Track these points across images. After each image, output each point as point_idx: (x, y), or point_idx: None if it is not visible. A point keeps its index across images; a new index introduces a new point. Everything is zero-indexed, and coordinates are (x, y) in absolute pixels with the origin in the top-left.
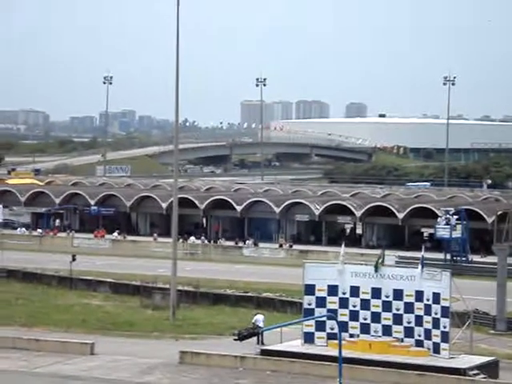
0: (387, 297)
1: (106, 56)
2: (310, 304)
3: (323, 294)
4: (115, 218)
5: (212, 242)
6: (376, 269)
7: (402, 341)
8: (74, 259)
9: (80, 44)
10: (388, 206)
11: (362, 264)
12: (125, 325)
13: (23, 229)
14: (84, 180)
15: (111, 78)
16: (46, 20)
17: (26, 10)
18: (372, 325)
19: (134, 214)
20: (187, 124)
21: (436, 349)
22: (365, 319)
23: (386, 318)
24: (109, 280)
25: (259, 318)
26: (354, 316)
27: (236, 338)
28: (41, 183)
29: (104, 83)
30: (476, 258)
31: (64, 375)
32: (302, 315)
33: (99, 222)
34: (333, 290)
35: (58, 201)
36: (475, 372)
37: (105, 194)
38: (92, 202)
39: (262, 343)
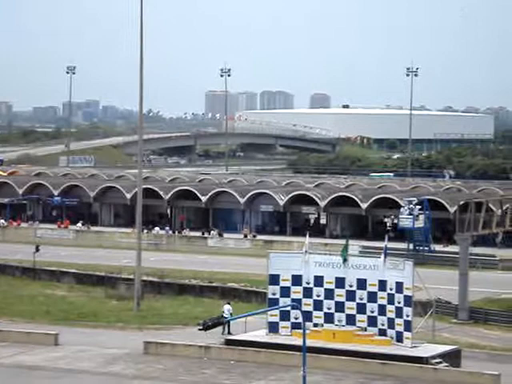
0: (351, 286)
1: (69, 46)
2: (274, 294)
3: (287, 283)
4: (78, 209)
5: (176, 232)
6: (344, 259)
7: (365, 330)
8: (37, 250)
9: (43, 34)
10: (352, 196)
11: (326, 254)
12: (89, 315)
13: None
14: (47, 170)
15: (74, 67)
16: (9, 8)
17: None
18: (336, 314)
19: (97, 204)
20: (151, 114)
21: (399, 338)
22: (329, 309)
23: (350, 307)
24: (73, 271)
25: (226, 308)
26: (318, 306)
27: (201, 327)
28: (3, 174)
29: (67, 73)
30: (438, 247)
31: (28, 366)
32: (266, 305)
33: (62, 213)
34: (297, 279)
35: (21, 191)
36: (437, 361)
37: (68, 184)
38: (55, 193)
39: (229, 333)
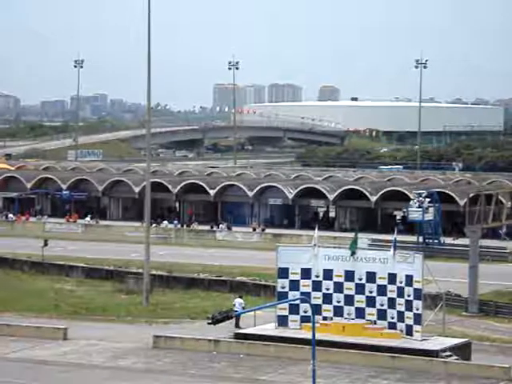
0: (360, 279)
1: (77, 39)
2: (283, 287)
3: (297, 277)
4: (87, 203)
5: (185, 226)
6: (353, 253)
7: (375, 323)
8: (45, 244)
9: (51, 28)
10: (361, 189)
11: (335, 247)
12: (98, 309)
13: None
14: (55, 164)
15: (82, 61)
16: (17, 2)
17: None
18: (345, 307)
19: (106, 198)
20: (159, 108)
21: (409, 331)
22: (338, 302)
23: (359, 300)
24: (81, 265)
25: (237, 302)
26: (327, 299)
27: (210, 321)
28: (12, 168)
29: (75, 67)
30: (448, 240)
31: (37, 360)
32: (275, 298)
33: (71, 207)
34: (306, 273)
35: (29, 185)
36: (447, 354)
37: (77, 178)
38: (64, 187)
39: (238, 326)
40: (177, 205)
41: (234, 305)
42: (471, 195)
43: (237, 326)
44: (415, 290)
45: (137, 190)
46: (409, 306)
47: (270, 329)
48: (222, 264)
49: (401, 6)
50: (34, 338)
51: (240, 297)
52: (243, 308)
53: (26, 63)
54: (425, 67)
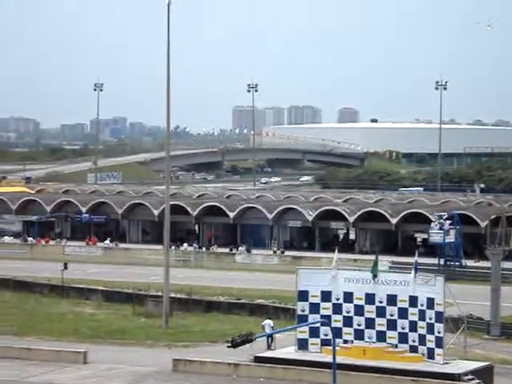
0: (381, 302)
1: (96, 63)
2: (303, 310)
3: (317, 300)
4: (106, 226)
5: (205, 248)
6: (375, 276)
7: (396, 346)
8: (65, 267)
9: (71, 51)
10: (381, 211)
11: (355, 270)
12: (117, 333)
13: (10, 237)
14: (75, 187)
15: (102, 84)
16: (36, 26)
17: (16, 14)
18: (366, 331)
19: (125, 221)
20: (179, 130)
21: (430, 354)
22: (359, 325)
23: (380, 323)
24: (101, 288)
25: (266, 323)
26: (347, 322)
27: (229, 345)
28: (32, 191)
29: (94, 90)
30: (470, 262)
31: None
32: (295, 322)
33: (91, 230)
34: (326, 295)
35: (49, 209)
36: (470, 377)
37: (96, 201)
38: (83, 210)
39: (269, 348)
40: (196, 227)
41: (264, 326)
42: (492, 217)
43: (269, 347)
44: (437, 312)
45: (156, 212)
46: (430, 329)
47: (290, 352)
48: (242, 287)
49: (422, 26)
50: (54, 362)
51: (269, 318)
52: (272, 329)
53: (46, 86)
54: (445, 89)
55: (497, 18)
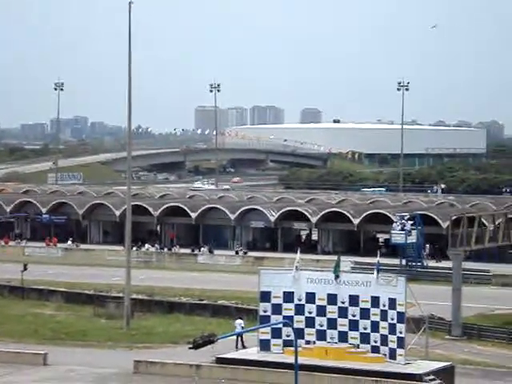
0: (343, 303)
1: (57, 62)
2: (265, 311)
3: (279, 300)
4: (67, 226)
5: (166, 249)
6: (337, 276)
7: (358, 347)
8: (25, 268)
9: (30, 50)
10: (343, 211)
11: (317, 270)
12: (78, 334)
13: None
14: (35, 188)
15: (62, 84)
16: None
17: None
18: (328, 331)
19: (86, 221)
20: (140, 130)
21: (392, 355)
22: (321, 326)
23: (342, 324)
24: (61, 289)
25: (237, 323)
26: (309, 323)
27: (191, 346)
28: None
29: (55, 89)
30: (431, 263)
31: None
32: (257, 322)
33: (51, 231)
34: (288, 296)
35: (8, 209)
36: (431, 378)
37: (57, 201)
38: (44, 210)
39: (243, 346)
40: (158, 228)
41: (236, 326)
42: (454, 217)
43: (243, 346)
44: (398, 313)
45: (117, 213)
46: (392, 329)
47: (253, 353)
48: (204, 287)
49: (385, 28)
50: (14, 364)
51: (240, 318)
52: (242, 328)
53: (6, 86)
54: (407, 90)
55: (459, 19)
